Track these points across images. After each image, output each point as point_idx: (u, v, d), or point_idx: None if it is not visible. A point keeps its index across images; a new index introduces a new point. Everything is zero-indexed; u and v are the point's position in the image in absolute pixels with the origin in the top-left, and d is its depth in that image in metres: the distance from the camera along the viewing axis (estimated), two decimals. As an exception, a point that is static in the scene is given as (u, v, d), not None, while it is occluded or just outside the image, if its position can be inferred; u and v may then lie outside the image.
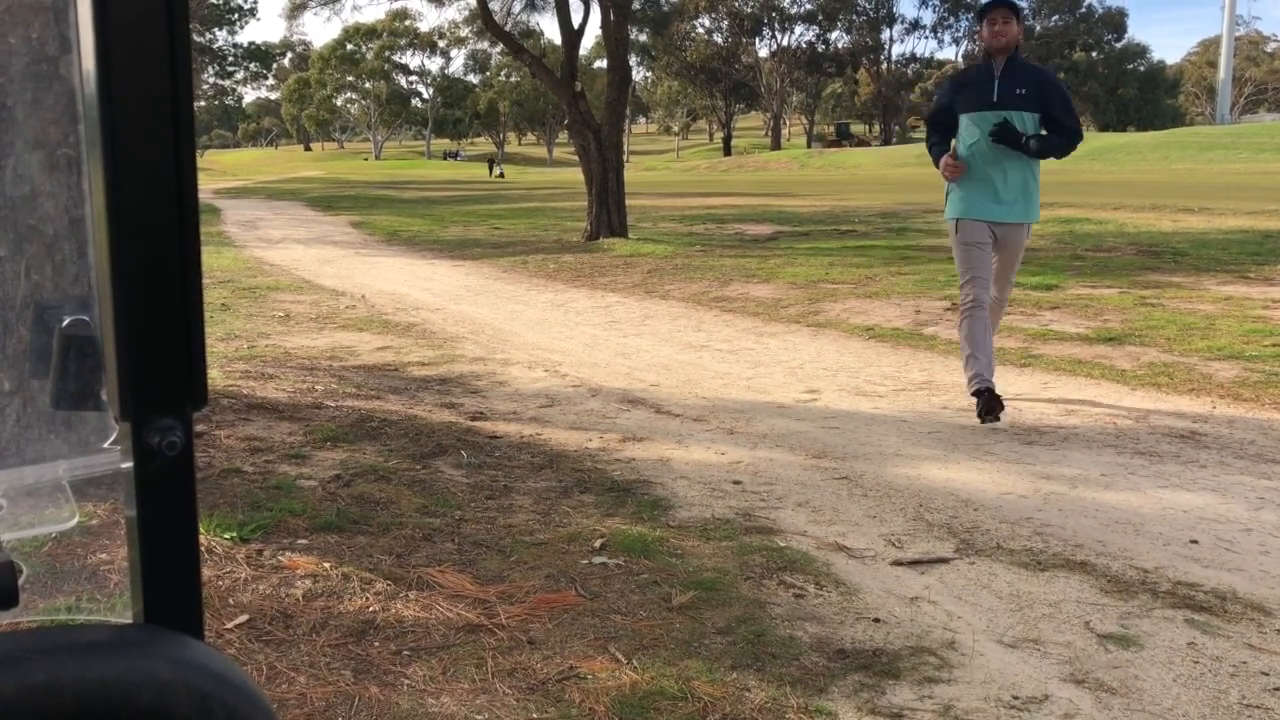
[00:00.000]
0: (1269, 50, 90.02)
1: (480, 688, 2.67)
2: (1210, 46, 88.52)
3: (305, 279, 11.82)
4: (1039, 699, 2.64)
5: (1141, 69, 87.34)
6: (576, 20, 16.49)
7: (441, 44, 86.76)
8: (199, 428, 4.85)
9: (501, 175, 50.17)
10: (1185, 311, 8.15)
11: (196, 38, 40.52)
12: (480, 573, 3.40)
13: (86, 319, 0.60)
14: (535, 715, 2.54)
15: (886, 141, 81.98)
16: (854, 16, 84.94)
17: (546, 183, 43.61)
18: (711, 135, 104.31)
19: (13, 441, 0.64)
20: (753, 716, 2.54)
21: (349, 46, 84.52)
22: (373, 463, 4.58)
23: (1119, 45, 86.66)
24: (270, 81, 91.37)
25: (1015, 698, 2.65)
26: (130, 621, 0.57)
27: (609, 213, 15.94)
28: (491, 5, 18.57)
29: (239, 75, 53.11)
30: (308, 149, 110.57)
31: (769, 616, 3.10)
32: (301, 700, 2.59)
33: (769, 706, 2.58)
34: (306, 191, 36.07)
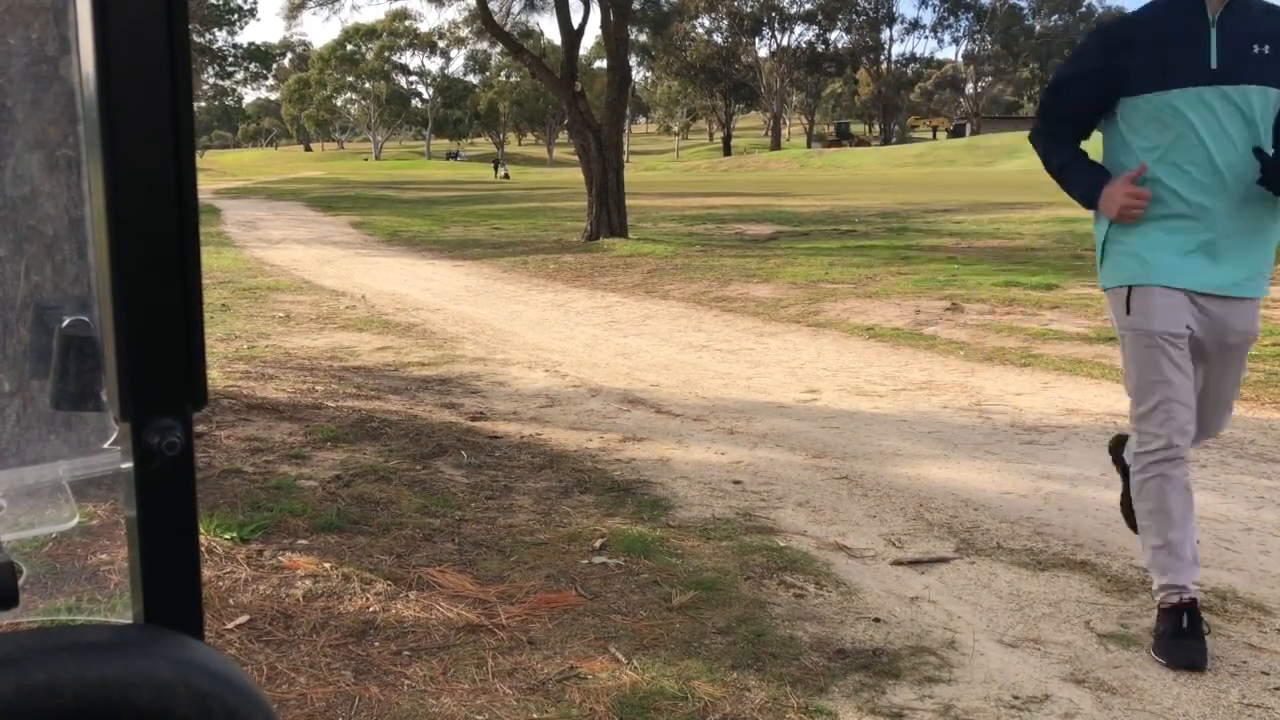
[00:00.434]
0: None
1: (480, 688, 2.67)
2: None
3: (305, 279, 11.82)
4: (1039, 699, 2.64)
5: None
6: (576, 20, 16.51)
7: (441, 44, 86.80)
8: (199, 428, 4.85)
9: (506, 176, 49.76)
10: (1185, 311, 8.14)
11: (196, 38, 40.53)
12: (480, 573, 3.41)
13: (86, 319, 0.60)
14: (535, 715, 2.54)
15: (886, 141, 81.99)
16: (854, 16, 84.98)
17: (546, 183, 43.63)
18: (711, 135, 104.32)
19: (13, 442, 0.64)
20: (753, 716, 2.54)
21: (349, 47, 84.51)
22: (373, 463, 4.58)
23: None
24: (270, 82, 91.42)
25: (1015, 697, 2.65)
26: (130, 622, 0.57)
27: (609, 213, 15.94)
28: (491, 5, 18.57)
29: (239, 76, 53.15)
30: (308, 149, 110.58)
31: (769, 616, 3.10)
32: (302, 700, 2.59)
33: (769, 706, 2.58)
34: (306, 192, 36.08)
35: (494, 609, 3.12)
